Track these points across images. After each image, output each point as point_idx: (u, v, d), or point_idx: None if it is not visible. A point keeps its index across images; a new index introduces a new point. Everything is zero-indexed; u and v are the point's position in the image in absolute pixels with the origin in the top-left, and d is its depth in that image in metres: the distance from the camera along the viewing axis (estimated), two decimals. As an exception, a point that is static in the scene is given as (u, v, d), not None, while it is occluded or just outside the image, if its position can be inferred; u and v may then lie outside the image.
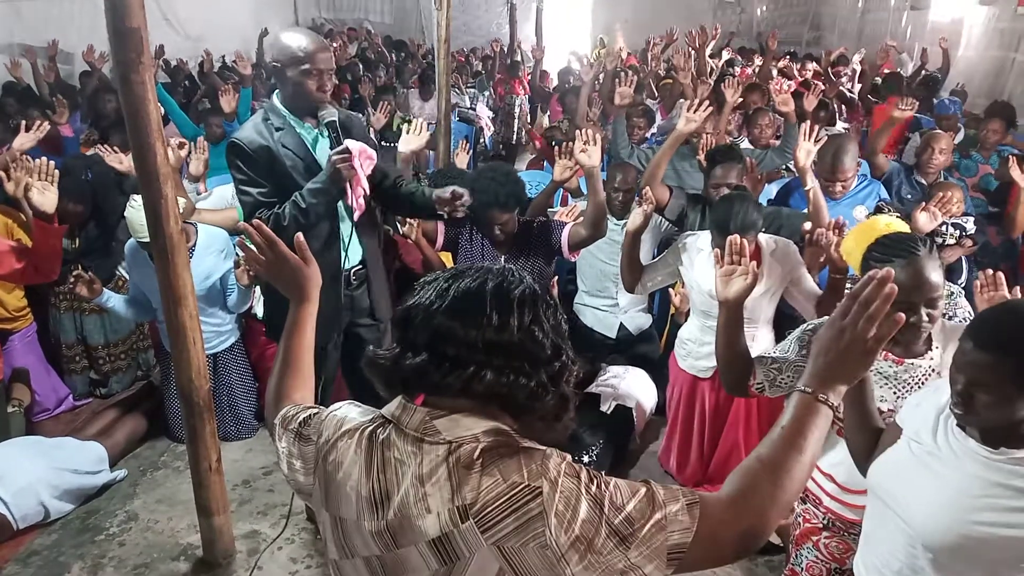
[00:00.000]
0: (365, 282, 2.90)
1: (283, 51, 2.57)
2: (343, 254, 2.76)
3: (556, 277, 4.10)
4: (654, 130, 5.97)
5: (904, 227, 1.92)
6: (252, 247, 1.44)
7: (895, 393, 1.89)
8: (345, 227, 2.77)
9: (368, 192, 2.69)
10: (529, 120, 8.72)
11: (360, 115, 4.00)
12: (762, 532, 1.09)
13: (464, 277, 1.14)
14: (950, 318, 2.45)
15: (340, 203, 2.70)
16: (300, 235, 1.47)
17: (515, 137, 8.70)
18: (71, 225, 3.73)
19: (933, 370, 1.87)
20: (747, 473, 1.12)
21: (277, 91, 2.68)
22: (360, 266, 2.87)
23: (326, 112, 2.63)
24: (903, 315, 1.15)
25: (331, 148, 2.61)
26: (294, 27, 2.78)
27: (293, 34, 2.63)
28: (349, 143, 2.57)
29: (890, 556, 1.61)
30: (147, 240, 2.98)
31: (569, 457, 1.08)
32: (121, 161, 4.10)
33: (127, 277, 3.93)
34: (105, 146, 4.14)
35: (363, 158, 2.59)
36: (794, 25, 13.24)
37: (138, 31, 2.28)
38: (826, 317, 2.00)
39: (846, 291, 1.94)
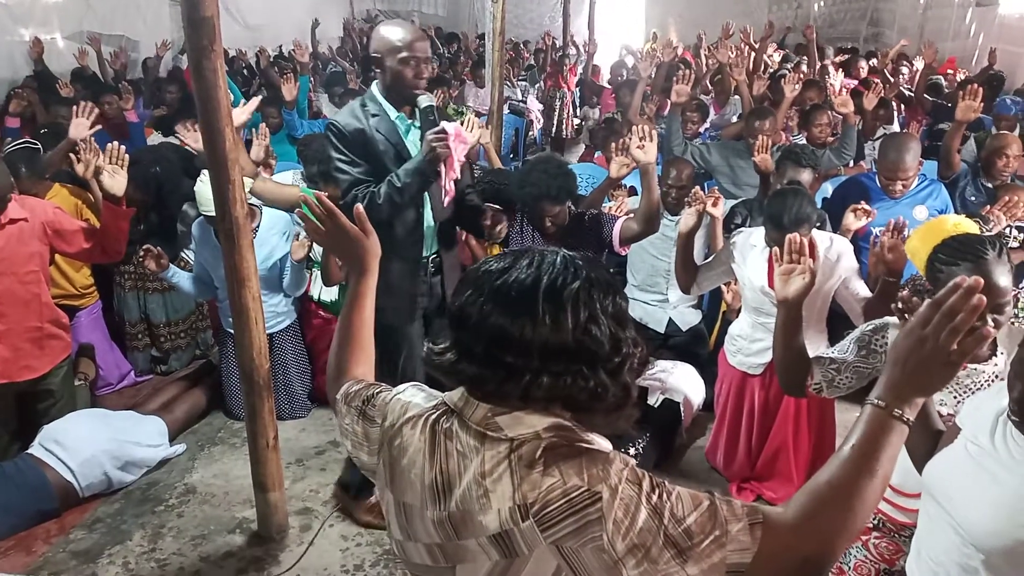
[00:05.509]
0: (440, 271, 2.96)
1: (383, 41, 2.69)
2: (425, 241, 2.84)
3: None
4: (707, 125, 5.93)
5: (974, 228, 1.87)
6: (312, 218, 1.42)
7: (955, 398, 1.85)
8: (428, 214, 2.84)
9: (458, 177, 2.74)
10: (573, 113, 8.66)
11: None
12: (828, 559, 1.05)
13: (515, 270, 1.09)
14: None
15: (427, 192, 2.76)
16: (359, 206, 1.47)
17: (555, 130, 8.69)
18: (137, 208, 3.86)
19: (996, 376, 1.83)
20: (814, 496, 1.05)
21: (376, 81, 2.80)
22: (437, 255, 2.93)
23: (423, 97, 2.70)
24: (991, 330, 1.05)
25: (428, 132, 2.67)
26: (394, 20, 2.93)
27: (392, 26, 2.77)
28: (446, 124, 2.63)
29: (943, 557, 1.60)
30: (213, 214, 3.09)
31: (632, 462, 1.06)
32: (197, 139, 4.24)
33: (189, 260, 4.07)
34: (185, 125, 4.27)
35: (458, 141, 2.64)
36: (852, 21, 12.87)
37: (211, 19, 2.37)
38: (889, 318, 1.99)
39: (902, 294, 1.90)
